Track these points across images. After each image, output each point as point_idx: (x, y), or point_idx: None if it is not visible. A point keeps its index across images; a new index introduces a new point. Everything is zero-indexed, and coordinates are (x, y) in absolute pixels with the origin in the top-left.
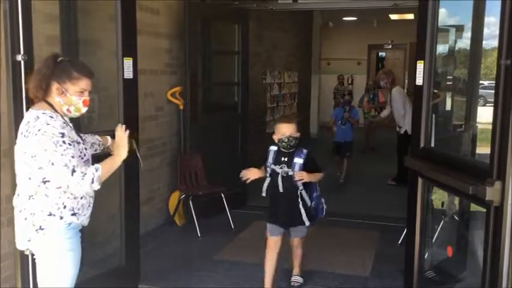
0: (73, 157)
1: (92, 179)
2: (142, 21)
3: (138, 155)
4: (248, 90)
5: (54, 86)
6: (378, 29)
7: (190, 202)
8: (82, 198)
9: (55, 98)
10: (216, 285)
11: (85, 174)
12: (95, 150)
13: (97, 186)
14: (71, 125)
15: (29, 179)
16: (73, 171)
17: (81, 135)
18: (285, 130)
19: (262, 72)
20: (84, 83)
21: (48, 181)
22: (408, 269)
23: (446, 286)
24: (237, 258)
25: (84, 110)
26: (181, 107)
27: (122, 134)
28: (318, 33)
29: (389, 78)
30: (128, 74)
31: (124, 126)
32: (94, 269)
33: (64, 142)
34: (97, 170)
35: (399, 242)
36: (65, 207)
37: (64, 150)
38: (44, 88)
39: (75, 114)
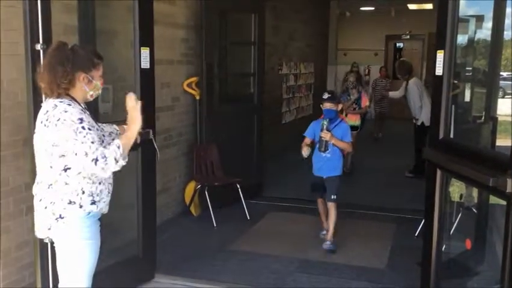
0: (92, 142)
1: (115, 158)
2: (159, 11)
3: (155, 145)
4: (264, 81)
5: (81, 76)
6: (396, 19)
7: (206, 192)
8: (100, 183)
9: (83, 86)
10: (231, 276)
11: (107, 158)
12: (113, 140)
13: (122, 163)
14: (87, 112)
15: (50, 167)
16: (96, 160)
17: (99, 124)
18: None
19: (278, 63)
20: (101, 67)
21: (69, 168)
22: (425, 261)
23: (464, 279)
24: (252, 249)
25: (100, 91)
26: (198, 98)
27: (133, 104)
28: (335, 23)
29: (406, 69)
30: (145, 64)
31: (133, 95)
32: (111, 258)
33: (83, 128)
34: (118, 148)
35: (416, 234)
36: (83, 192)
37: (84, 136)
38: (69, 81)
39: (94, 97)
